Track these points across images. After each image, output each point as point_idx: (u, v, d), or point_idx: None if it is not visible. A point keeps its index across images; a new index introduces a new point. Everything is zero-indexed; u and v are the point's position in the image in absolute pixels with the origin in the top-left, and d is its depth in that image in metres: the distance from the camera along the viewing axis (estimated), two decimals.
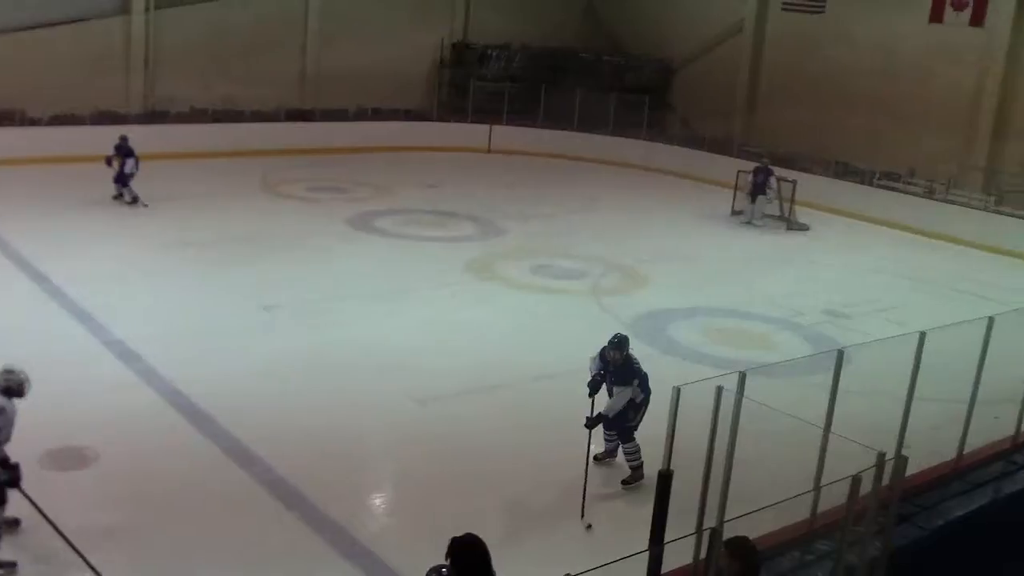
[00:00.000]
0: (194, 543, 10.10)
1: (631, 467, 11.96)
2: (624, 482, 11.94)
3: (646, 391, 11.88)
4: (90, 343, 15.27)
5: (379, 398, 13.98)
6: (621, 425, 11.92)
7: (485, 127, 35.79)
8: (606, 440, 12.29)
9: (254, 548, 10.11)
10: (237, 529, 10.45)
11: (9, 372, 9.67)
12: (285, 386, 14.21)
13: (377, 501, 11.88)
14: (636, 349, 12.90)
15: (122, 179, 23.99)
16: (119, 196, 24.19)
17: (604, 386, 11.72)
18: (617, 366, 11.80)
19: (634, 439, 11.94)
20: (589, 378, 11.65)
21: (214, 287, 18.52)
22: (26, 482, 9.27)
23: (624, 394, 11.78)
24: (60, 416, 12.14)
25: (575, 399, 12.56)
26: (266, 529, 10.50)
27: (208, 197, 25.10)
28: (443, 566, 6.47)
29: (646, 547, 8.60)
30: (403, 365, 15.23)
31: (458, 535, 6.49)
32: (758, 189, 27.66)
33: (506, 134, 35.57)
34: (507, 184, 30.50)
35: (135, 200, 24.03)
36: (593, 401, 11.48)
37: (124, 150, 24.00)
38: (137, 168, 23.97)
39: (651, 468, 8.72)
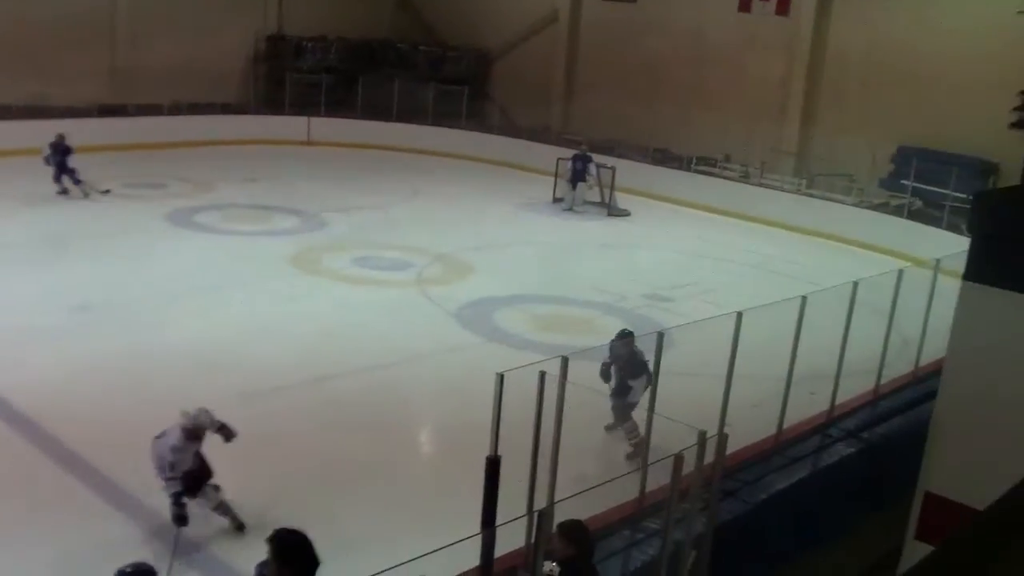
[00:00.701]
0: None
1: (633, 444, 12.56)
2: (629, 456, 12.50)
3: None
4: None
5: (204, 396, 13.63)
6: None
7: (303, 119, 35.35)
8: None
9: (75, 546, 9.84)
10: (59, 532, 10.15)
11: (194, 416, 10.27)
12: (106, 387, 13.80)
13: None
14: (460, 337, 12.88)
15: (69, 174, 24.28)
16: (64, 192, 24.37)
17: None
18: (626, 360, 12.57)
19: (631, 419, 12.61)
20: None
21: (24, 288, 17.83)
22: None
23: (639, 386, 12.44)
24: None
25: (404, 388, 12.52)
26: (92, 533, 10.22)
27: (16, 196, 24.09)
28: (265, 562, 6.41)
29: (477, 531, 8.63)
30: (228, 362, 14.95)
31: (282, 529, 6.43)
32: (578, 176, 28.01)
33: (325, 126, 35.22)
34: (326, 176, 30.16)
35: (87, 194, 24.49)
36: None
37: (62, 148, 24.19)
38: None
39: (480, 454, 8.74)
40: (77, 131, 29.56)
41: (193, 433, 10.15)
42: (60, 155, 24.16)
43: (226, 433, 10.53)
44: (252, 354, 15.41)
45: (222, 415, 13.16)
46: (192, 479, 10.14)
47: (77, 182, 24.31)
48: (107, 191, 24.76)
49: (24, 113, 31.58)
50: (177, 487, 10.01)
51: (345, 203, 26.15)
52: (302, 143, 34.81)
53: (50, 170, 24.26)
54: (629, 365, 12.62)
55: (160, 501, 10.37)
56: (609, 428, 13.18)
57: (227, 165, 30.51)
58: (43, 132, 28.12)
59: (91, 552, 9.85)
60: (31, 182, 24.57)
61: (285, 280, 19.53)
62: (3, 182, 24.15)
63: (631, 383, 12.58)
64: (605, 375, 12.73)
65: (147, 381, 13.98)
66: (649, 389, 10.90)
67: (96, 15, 33.82)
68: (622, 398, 12.76)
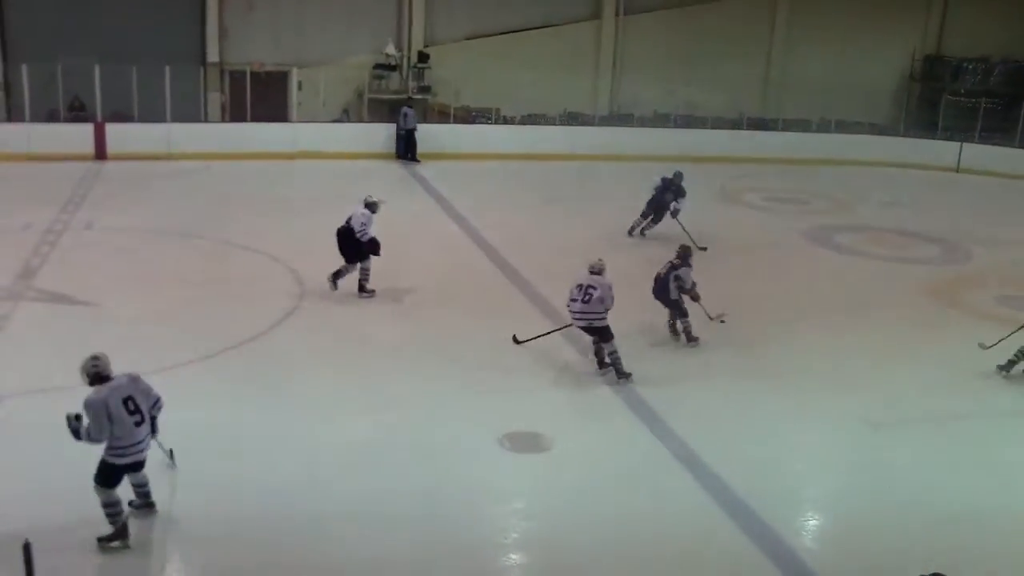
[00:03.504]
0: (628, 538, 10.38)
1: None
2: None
3: None
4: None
5: (833, 415, 13.66)
6: None
7: (955, 145, 34.00)
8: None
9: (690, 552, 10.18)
10: (674, 531, 10.59)
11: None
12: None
13: None
14: None
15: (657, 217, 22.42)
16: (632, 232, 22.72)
17: None
18: None
19: None
20: None
21: None
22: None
23: None
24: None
25: None
26: (705, 537, 10.57)
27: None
28: None
29: None
30: (859, 384, 14.83)
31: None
32: None
33: (978, 153, 33.64)
34: (974, 207, 28.85)
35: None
36: None
37: (674, 186, 22.39)
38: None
39: None
40: (724, 141, 30.85)
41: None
42: (671, 194, 22.20)
43: None
44: (874, 382, 15.11)
45: (852, 434, 13.11)
46: None
47: (656, 221, 22.45)
48: (703, 248, 21.20)
49: (679, 122, 33.39)
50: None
51: (993, 237, 24.70)
52: (950, 170, 33.65)
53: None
54: None
55: None
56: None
57: (870, 186, 30.26)
58: (693, 140, 29.61)
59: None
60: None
61: (918, 309, 18.97)
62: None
63: None
64: None
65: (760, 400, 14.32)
66: None
67: (754, 30, 35.00)
68: None
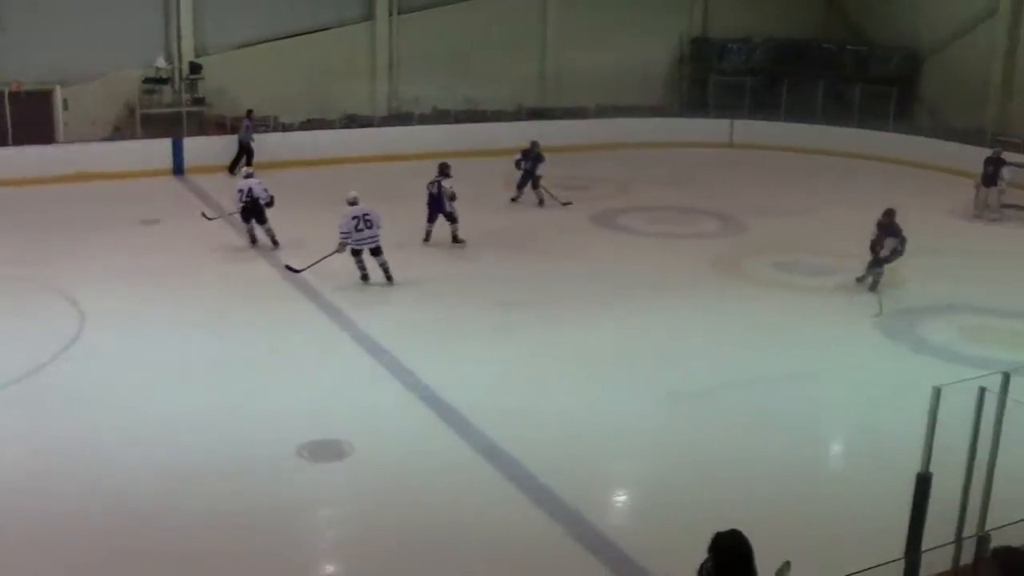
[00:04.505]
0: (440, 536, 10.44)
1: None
2: None
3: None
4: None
5: (633, 392, 14.01)
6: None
7: (726, 122, 35.32)
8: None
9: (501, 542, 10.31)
10: (483, 524, 10.68)
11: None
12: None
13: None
14: (884, 347, 12.45)
15: (535, 182, 25.47)
16: (515, 199, 25.82)
17: None
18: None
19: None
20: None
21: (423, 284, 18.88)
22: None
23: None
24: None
25: (826, 397, 12.39)
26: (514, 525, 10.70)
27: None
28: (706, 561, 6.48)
29: (901, 555, 8.29)
30: (653, 362, 15.27)
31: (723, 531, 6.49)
32: (989, 180, 26.18)
33: (748, 128, 35.01)
34: (748, 179, 29.88)
35: (541, 200, 25.57)
36: None
37: (533, 155, 25.37)
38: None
39: (908, 472, 8.40)
40: (506, 134, 31.06)
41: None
42: (531, 162, 25.23)
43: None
44: (655, 355, 15.69)
45: (653, 409, 13.29)
46: None
47: (536, 187, 25.34)
48: (568, 203, 25.41)
49: (459, 117, 33.57)
50: None
51: (767, 207, 25.70)
52: (724, 145, 34.79)
53: (517, 174, 25.55)
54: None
55: None
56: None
57: (650, 167, 30.97)
58: (475, 135, 29.81)
59: (511, 544, 10.24)
60: (466, 184, 25.67)
61: (704, 281, 19.56)
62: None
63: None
64: None
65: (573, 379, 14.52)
66: None
67: (527, 22, 35.34)
68: None
